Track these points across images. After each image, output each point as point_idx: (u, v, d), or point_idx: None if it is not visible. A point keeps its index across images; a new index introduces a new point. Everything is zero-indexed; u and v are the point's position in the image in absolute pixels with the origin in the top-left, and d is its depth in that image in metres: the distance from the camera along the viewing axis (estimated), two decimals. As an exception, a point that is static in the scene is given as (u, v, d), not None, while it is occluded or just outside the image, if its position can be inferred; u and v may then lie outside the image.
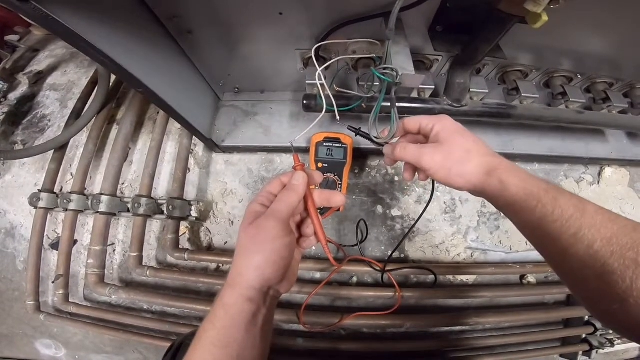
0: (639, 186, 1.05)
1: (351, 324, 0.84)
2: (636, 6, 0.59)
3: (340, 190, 0.84)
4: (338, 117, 0.68)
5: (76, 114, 1.01)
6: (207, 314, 0.41)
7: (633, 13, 0.61)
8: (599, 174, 1.04)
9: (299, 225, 0.49)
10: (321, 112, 0.68)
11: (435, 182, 0.55)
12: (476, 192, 0.48)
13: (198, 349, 0.39)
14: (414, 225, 0.73)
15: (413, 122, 0.54)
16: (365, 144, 0.90)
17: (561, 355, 1.02)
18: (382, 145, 0.58)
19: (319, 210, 0.48)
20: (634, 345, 1.04)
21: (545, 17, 0.47)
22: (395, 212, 0.96)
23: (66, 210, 0.93)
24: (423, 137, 0.55)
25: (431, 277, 0.89)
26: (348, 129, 0.65)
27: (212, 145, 0.93)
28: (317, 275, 0.94)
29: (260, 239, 0.40)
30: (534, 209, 0.40)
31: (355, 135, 0.64)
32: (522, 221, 0.43)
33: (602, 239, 0.34)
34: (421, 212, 0.65)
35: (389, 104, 0.61)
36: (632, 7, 0.60)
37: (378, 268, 0.85)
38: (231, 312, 0.39)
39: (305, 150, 0.89)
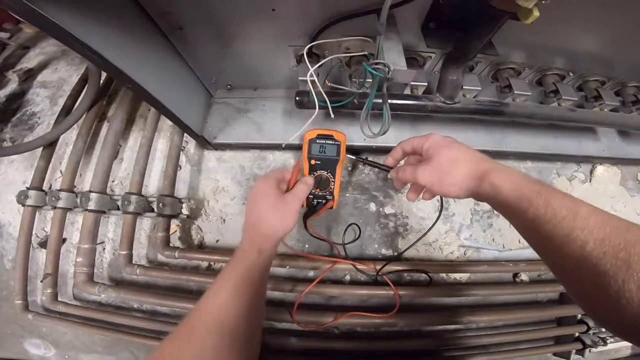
0: (630, 184, 1.06)
1: (345, 322, 0.83)
2: (628, 4, 0.60)
3: (333, 189, 0.84)
4: (332, 115, 0.68)
5: (66, 111, 1.00)
6: (229, 262, 0.54)
7: (625, 11, 0.62)
8: (591, 172, 1.05)
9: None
10: (314, 108, 0.68)
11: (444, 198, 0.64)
12: (473, 197, 0.51)
13: (245, 281, 0.51)
14: (423, 236, 0.77)
15: (407, 144, 0.61)
16: (358, 141, 0.89)
17: (554, 354, 1.02)
18: (388, 171, 0.66)
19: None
20: (626, 343, 1.05)
21: (536, 13, 0.47)
22: (388, 210, 0.96)
23: (55, 208, 0.92)
24: (420, 156, 0.60)
25: (424, 275, 0.89)
26: (357, 159, 0.77)
27: (203, 143, 0.92)
28: (311, 273, 0.94)
29: (288, 211, 0.58)
30: (526, 211, 0.40)
31: (363, 165, 0.70)
32: (516, 222, 0.44)
33: (595, 240, 0.34)
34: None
35: (381, 100, 0.60)
36: (624, 5, 0.60)
37: (372, 272, 0.85)
38: (265, 255, 0.55)
39: (298, 147, 0.88)
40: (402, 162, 0.65)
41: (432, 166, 0.53)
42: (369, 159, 0.72)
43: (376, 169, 0.97)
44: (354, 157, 0.78)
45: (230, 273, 0.51)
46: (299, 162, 0.65)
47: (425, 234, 0.76)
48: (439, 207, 0.70)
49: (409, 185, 0.64)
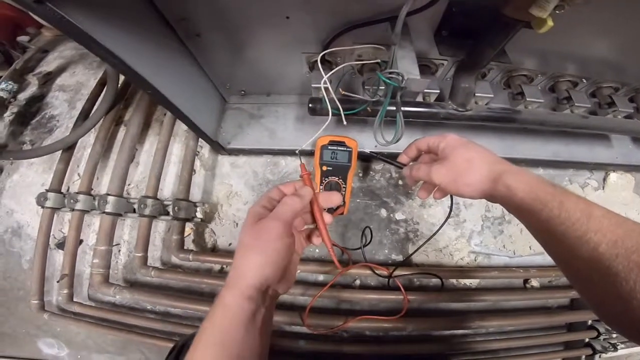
0: (644, 191, 1.05)
1: (354, 326, 0.84)
2: (642, 10, 0.60)
3: (345, 194, 0.85)
4: (345, 122, 0.69)
5: (84, 114, 1.02)
6: (207, 314, 0.41)
7: (639, 17, 0.61)
8: (604, 180, 1.04)
9: (309, 236, 0.52)
10: (327, 115, 0.69)
11: (454, 198, 0.62)
12: (487, 198, 0.51)
13: (198, 349, 0.39)
14: (430, 238, 0.76)
15: (423, 142, 0.60)
16: (370, 147, 0.90)
17: (564, 359, 1.01)
18: (401, 168, 0.65)
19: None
20: (637, 349, 1.03)
21: (550, 23, 0.47)
22: (399, 216, 0.97)
23: (73, 210, 0.94)
24: (435, 155, 0.59)
25: (434, 280, 0.89)
26: (370, 154, 0.77)
27: (218, 148, 0.94)
28: (321, 277, 0.94)
29: (263, 239, 0.42)
30: (540, 213, 0.41)
31: (375, 159, 0.68)
32: (530, 224, 0.44)
33: (608, 242, 0.34)
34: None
35: (394, 108, 0.61)
36: (639, 10, 0.60)
37: (385, 274, 0.85)
38: (231, 311, 0.40)
39: (310, 154, 0.89)
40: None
41: (448, 166, 0.53)
42: (380, 155, 0.73)
43: (387, 175, 0.98)
44: (368, 152, 0.80)
45: (204, 326, 0.40)
46: (307, 174, 0.51)
47: (434, 234, 0.75)
48: (449, 208, 0.69)
49: (420, 183, 0.64)
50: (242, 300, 0.40)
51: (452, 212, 0.98)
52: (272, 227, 0.42)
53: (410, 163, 0.65)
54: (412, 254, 0.87)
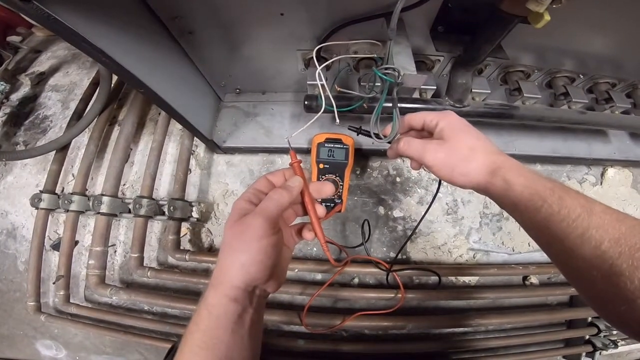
0: (642, 187, 1.05)
1: (353, 325, 0.83)
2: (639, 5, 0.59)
3: (342, 192, 0.84)
4: (337, 120, 0.68)
5: (78, 114, 1.01)
6: (192, 315, 0.40)
7: (636, 12, 0.61)
8: (602, 175, 1.03)
9: (300, 230, 0.48)
10: (324, 113, 0.68)
11: (441, 183, 0.55)
12: (479, 190, 0.47)
13: (185, 352, 0.38)
14: (416, 227, 0.73)
15: (417, 118, 0.53)
16: (366, 144, 0.90)
17: (564, 357, 1.01)
18: (389, 143, 0.58)
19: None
20: (637, 346, 1.03)
21: (547, 17, 0.46)
22: (397, 213, 0.96)
23: (67, 211, 0.93)
24: (428, 134, 0.53)
25: (433, 278, 0.89)
26: (349, 129, 0.65)
27: (213, 146, 0.93)
28: (319, 276, 0.94)
29: (246, 237, 0.39)
30: (539, 209, 0.39)
31: (357, 135, 0.64)
32: (527, 221, 0.42)
33: (610, 240, 0.33)
34: (424, 211, 0.65)
35: (390, 105, 0.60)
36: (635, 6, 0.59)
37: (384, 268, 0.85)
38: (215, 313, 0.38)
39: (306, 151, 0.89)
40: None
41: (447, 150, 0.47)
42: (362, 128, 0.64)
43: (385, 173, 0.98)
44: (349, 127, 0.67)
45: (190, 329, 0.40)
46: (297, 162, 0.47)
47: (422, 218, 0.67)
48: (436, 189, 0.60)
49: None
50: (227, 301, 0.38)
51: (450, 209, 0.97)
52: (256, 225, 0.39)
53: (398, 136, 0.57)
54: (404, 245, 0.86)
